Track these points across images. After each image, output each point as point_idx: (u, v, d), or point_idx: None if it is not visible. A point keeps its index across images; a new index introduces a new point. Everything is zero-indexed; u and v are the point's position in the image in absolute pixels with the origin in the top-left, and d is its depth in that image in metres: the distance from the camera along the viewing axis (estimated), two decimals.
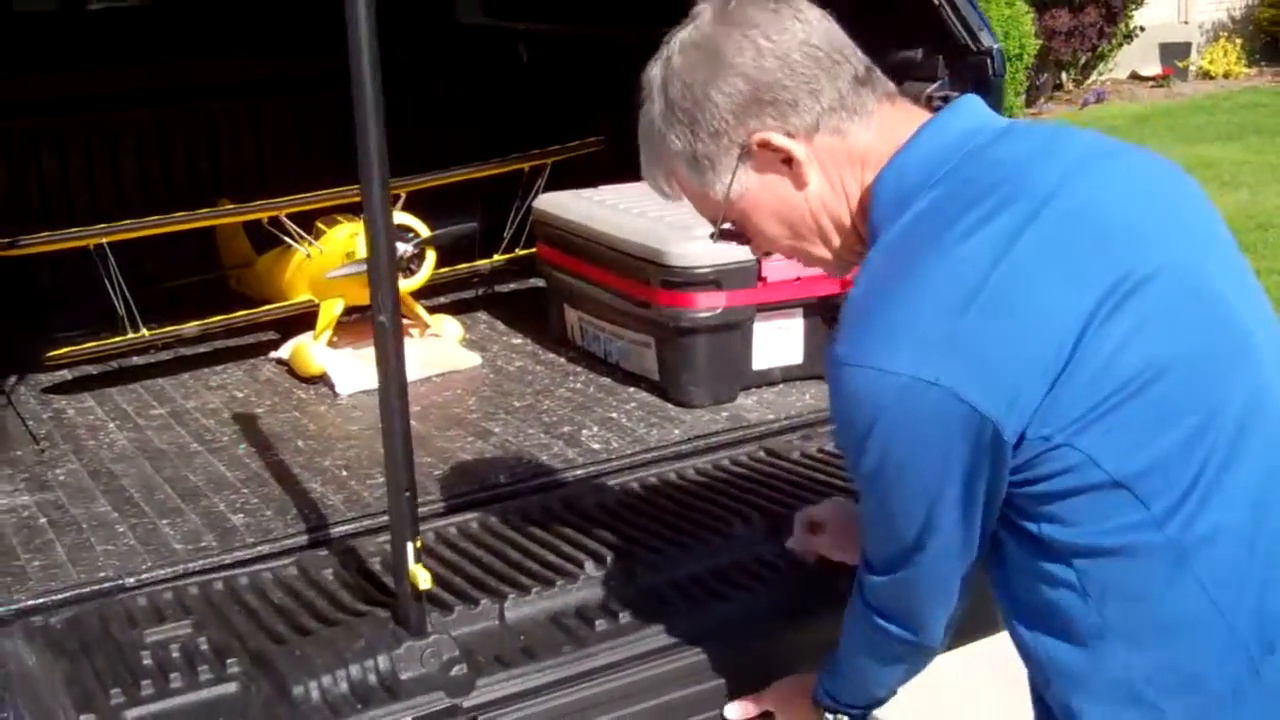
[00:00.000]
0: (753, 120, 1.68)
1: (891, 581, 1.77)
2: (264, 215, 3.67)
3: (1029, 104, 14.67)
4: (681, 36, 1.72)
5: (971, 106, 1.73)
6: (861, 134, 1.70)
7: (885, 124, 1.71)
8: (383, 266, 2.07)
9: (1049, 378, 1.51)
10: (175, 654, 2.19)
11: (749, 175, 1.71)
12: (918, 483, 1.61)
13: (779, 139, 1.68)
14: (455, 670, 2.13)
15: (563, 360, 3.69)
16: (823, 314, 3.32)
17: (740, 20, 1.68)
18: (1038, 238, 1.55)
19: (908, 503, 1.64)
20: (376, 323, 2.09)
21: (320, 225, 3.75)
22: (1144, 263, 1.56)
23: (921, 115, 1.73)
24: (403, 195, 3.65)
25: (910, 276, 1.57)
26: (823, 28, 1.70)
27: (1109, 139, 1.75)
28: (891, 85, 1.76)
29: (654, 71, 1.75)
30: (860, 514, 1.79)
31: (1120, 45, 15.74)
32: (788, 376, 3.38)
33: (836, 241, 1.76)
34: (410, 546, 2.15)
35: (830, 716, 2.02)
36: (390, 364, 2.09)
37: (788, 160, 1.70)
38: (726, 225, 1.81)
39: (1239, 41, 16.65)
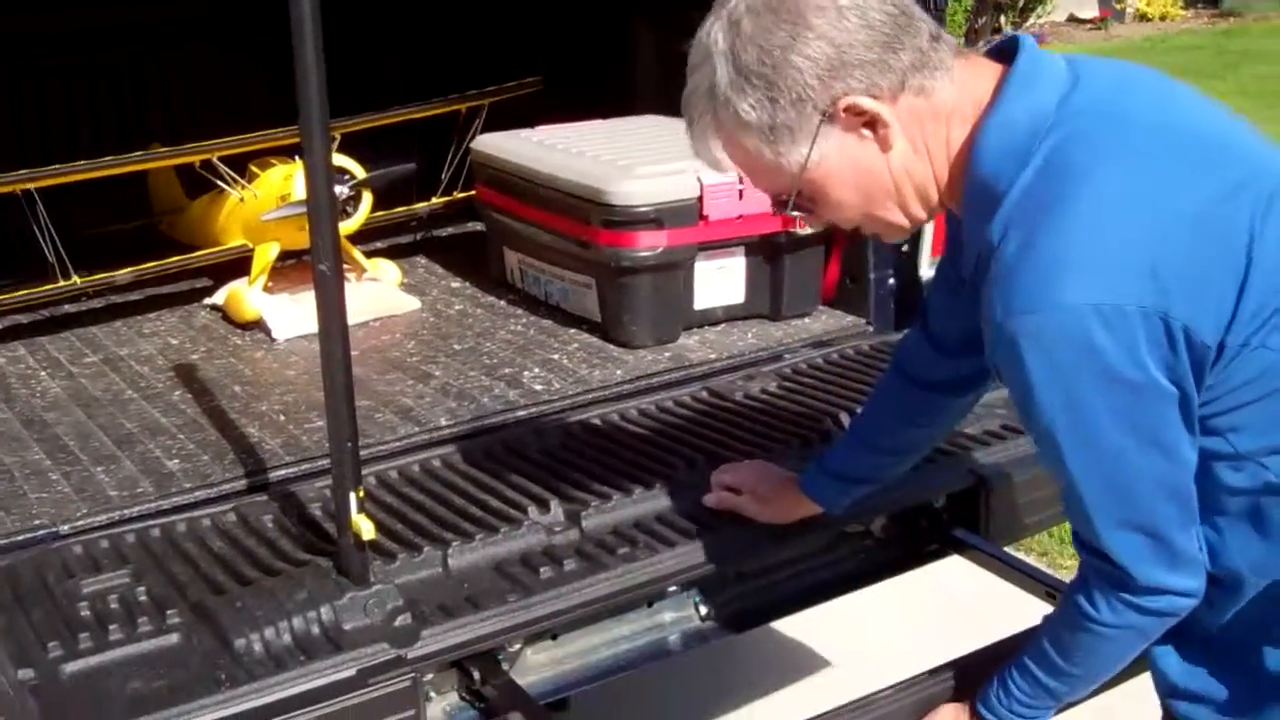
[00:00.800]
0: (838, 84, 1.60)
1: (1136, 535, 1.67)
2: (196, 158, 3.59)
3: (967, 45, 14.66)
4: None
5: (1035, 52, 1.69)
6: (945, 90, 1.64)
7: (963, 78, 1.66)
8: (323, 212, 2.03)
9: (1236, 284, 1.54)
10: (114, 605, 2.16)
11: (829, 142, 1.63)
12: (1140, 412, 1.57)
13: (865, 102, 1.61)
14: (399, 620, 2.10)
15: (503, 303, 3.66)
16: (765, 252, 3.31)
17: None
18: (1173, 159, 1.57)
19: (1131, 437, 1.59)
20: (317, 271, 2.05)
21: (254, 168, 3.68)
22: (1262, 171, 1.62)
23: (990, 66, 1.70)
24: (338, 136, 3.59)
25: (1077, 213, 1.54)
26: None
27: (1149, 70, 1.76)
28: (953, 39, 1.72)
29: (715, 37, 1.64)
30: (1068, 493, 1.70)
31: None
32: (730, 316, 3.37)
33: (914, 205, 1.71)
34: (353, 497, 2.13)
35: None
36: (332, 314, 2.06)
37: (871, 124, 1.63)
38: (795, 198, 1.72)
39: None
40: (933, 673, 2.12)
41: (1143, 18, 16.37)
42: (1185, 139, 1.62)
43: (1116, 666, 1.85)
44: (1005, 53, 1.70)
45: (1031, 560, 4.39)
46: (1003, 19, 15.66)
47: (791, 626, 3.98)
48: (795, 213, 1.72)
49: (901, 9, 1.62)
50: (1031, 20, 15.89)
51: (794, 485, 2.29)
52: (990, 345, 1.62)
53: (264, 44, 3.12)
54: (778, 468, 2.40)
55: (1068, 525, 4.79)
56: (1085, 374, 1.55)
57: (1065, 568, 4.35)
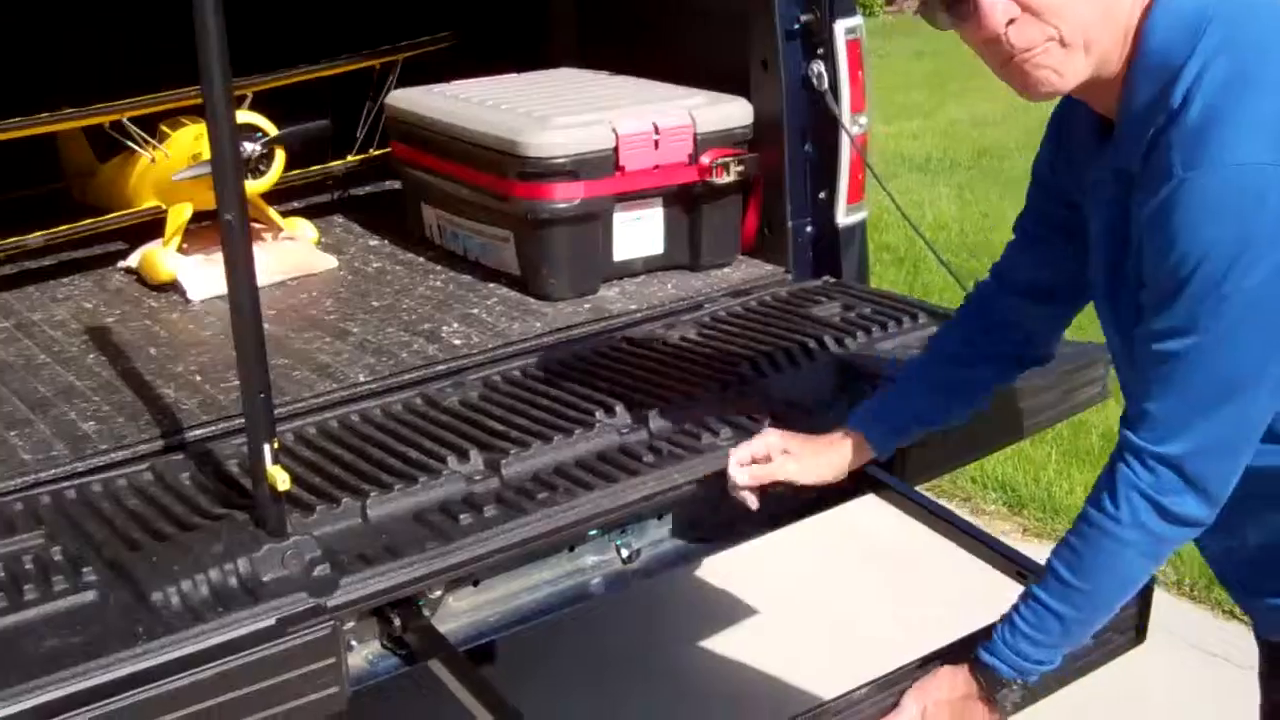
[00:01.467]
0: None
1: (1204, 434, 1.71)
2: (105, 119, 3.54)
3: (889, 0, 14.76)
4: None
5: None
6: None
7: None
8: (226, 162, 2.01)
9: None
10: (28, 565, 2.13)
11: None
12: None
13: None
14: (318, 570, 2.09)
15: (421, 259, 3.64)
16: (682, 203, 3.31)
17: None
18: None
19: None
20: (223, 221, 2.03)
21: (164, 128, 3.63)
22: None
23: None
24: (249, 95, 3.56)
25: (1262, 80, 1.61)
26: None
27: None
28: None
29: None
30: (1161, 377, 1.72)
31: None
32: (649, 267, 3.37)
33: (1099, 53, 1.73)
34: (267, 448, 2.11)
35: (1018, 684, 1.93)
36: (239, 262, 2.04)
37: None
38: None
39: None
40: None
41: None
42: None
43: (1122, 593, 1.86)
44: None
45: (954, 506, 4.47)
46: None
47: (713, 574, 4.03)
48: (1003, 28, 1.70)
49: None
50: None
51: (823, 439, 2.27)
52: (1156, 206, 1.64)
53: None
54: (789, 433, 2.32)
55: (990, 469, 4.85)
56: (1264, 235, 1.59)
57: (986, 512, 4.42)
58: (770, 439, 2.28)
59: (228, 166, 2.00)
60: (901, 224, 6.62)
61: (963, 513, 4.42)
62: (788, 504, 2.57)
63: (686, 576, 4.01)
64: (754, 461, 2.27)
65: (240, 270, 2.04)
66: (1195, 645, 3.60)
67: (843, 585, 3.81)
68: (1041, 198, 2.07)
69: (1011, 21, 1.69)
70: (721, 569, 3.98)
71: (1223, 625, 3.71)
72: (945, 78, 10.76)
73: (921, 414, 2.26)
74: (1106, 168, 1.80)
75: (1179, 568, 3.92)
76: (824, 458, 2.25)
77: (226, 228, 2.02)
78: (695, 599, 3.94)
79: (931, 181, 7.83)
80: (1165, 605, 3.76)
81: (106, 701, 1.85)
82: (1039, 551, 2.22)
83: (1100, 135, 1.83)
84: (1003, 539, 4.09)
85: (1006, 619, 1.91)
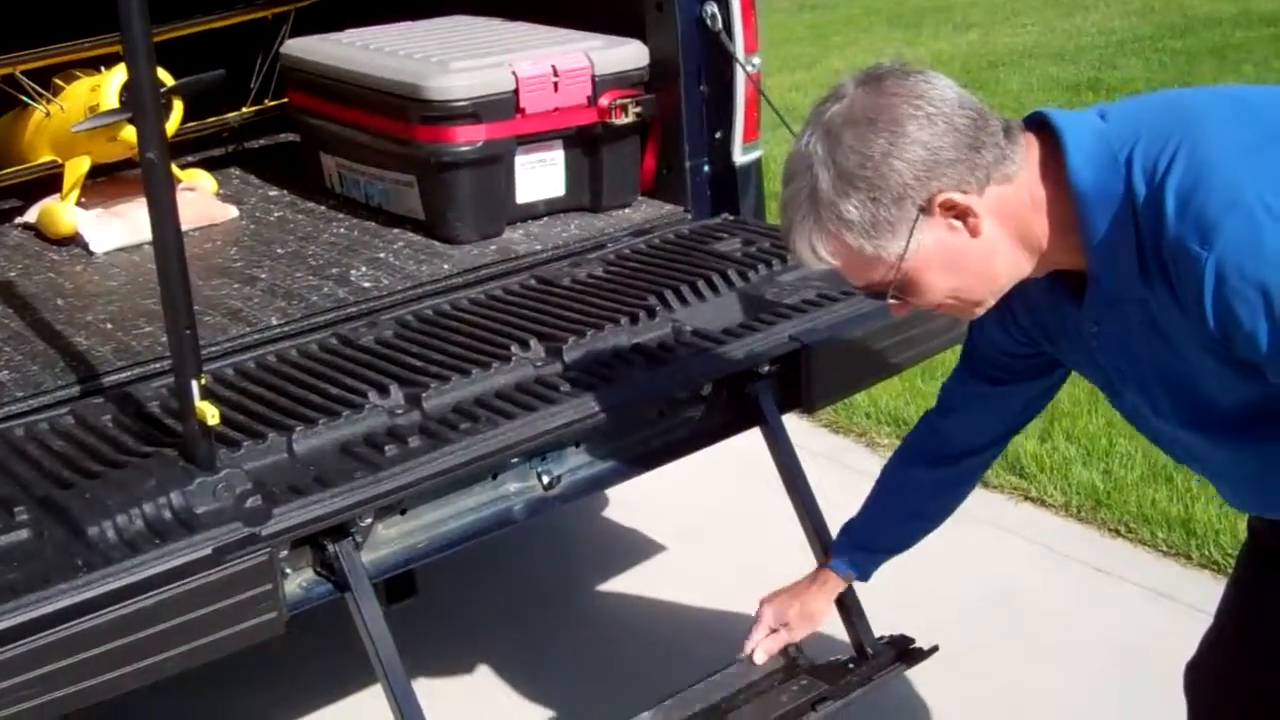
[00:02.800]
0: (934, 182, 1.74)
1: None
2: None
3: None
4: (837, 112, 1.77)
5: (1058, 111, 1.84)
6: (1019, 168, 1.79)
7: (1028, 154, 1.80)
8: (147, 102, 2.04)
9: None
10: None
11: (925, 234, 1.77)
12: None
13: (957, 196, 1.75)
14: (250, 502, 2.15)
15: (323, 208, 3.67)
16: (582, 145, 3.38)
17: (901, 91, 1.75)
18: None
19: None
20: (144, 159, 2.06)
21: (58, 82, 3.61)
22: None
23: (1027, 134, 1.83)
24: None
25: (1207, 139, 1.68)
26: (960, 91, 1.78)
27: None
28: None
29: (814, 147, 1.78)
30: None
31: None
32: (551, 209, 3.44)
33: (1002, 279, 1.84)
34: (195, 383, 2.16)
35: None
36: (161, 199, 2.07)
37: (961, 215, 1.77)
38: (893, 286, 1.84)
39: None
40: None
41: None
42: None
43: None
44: (1031, 123, 1.84)
45: (849, 440, 4.61)
46: None
47: (622, 512, 4.12)
48: (893, 300, 1.85)
49: (977, 112, 1.77)
50: None
51: (813, 587, 2.53)
52: (1210, 294, 1.65)
53: None
54: (788, 588, 2.56)
55: (883, 404, 4.98)
56: None
57: (881, 445, 4.55)
58: (766, 622, 2.53)
59: (149, 107, 2.03)
60: None
61: (858, 447, 4.58)
62: (699, 431, 2.68)
63: (597, 515, 4.11)
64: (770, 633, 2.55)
65: (163, 208, 2.08)
66: (1084, 562, 3.77)
67: (751, 520, 3.91)
68: (999, 354, 2.16)
69: (902, 301, 1.85)
70: (631, 505, 4.08)
71: (1110, 543, 3.88)
72: (828, 30, 10.92)
73: (900, 540, 2.49)
74: (1099, 307, 1.85)
75: (1066, 491, 4.09)
76: (811, 611, 2.53)
77: (148, 165, 2.06)
78: (607, 536, 4.03)
79: None
80: (1055, 527, 3.96)
81: (50, 631, 1.89)
82: None
83: (1058, 287, 1.90)
84: None
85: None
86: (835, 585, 2.53)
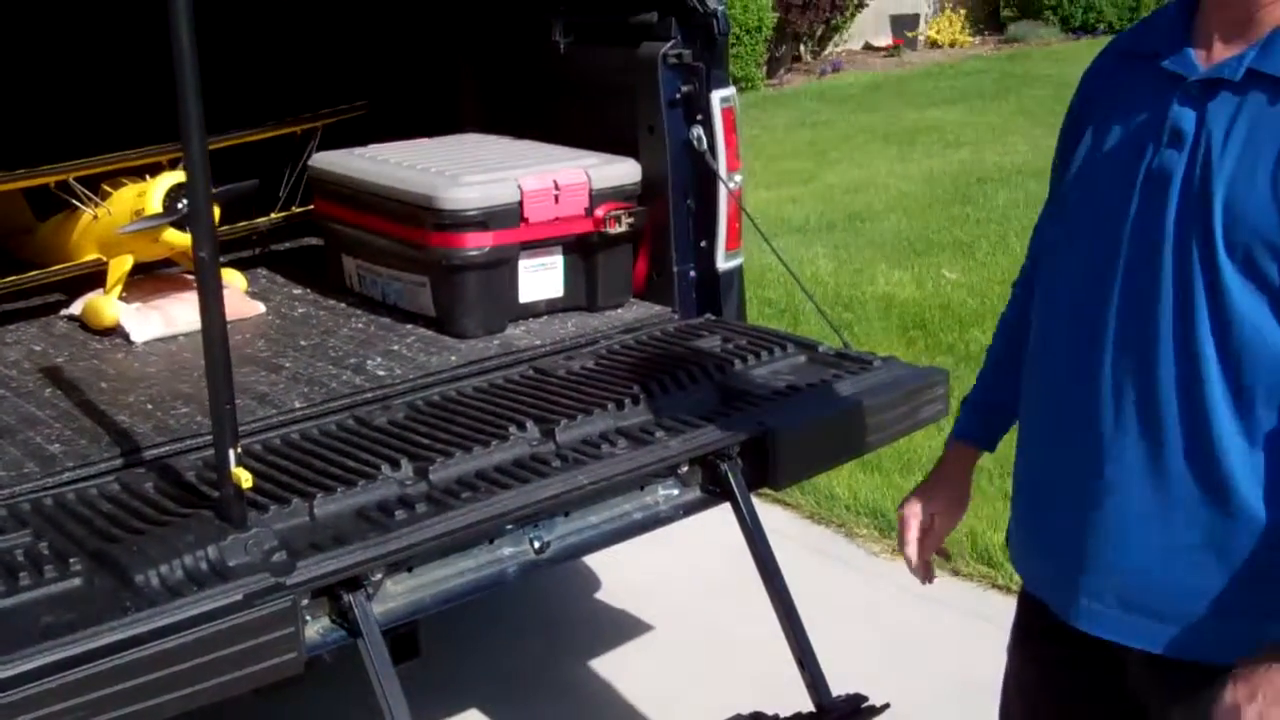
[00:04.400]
0: None
1: None
2: (53, 180, 3.87)
3: (770, 75, 15.39)
4: None
5: None
6: None
7: None
8: (201, 207, 2.38)
9: None
10: (19, 558, 2.46)
11: None
12: None
13: None
14: (276, 556, 2.45)
15: (343, 305, 4.01)
16: (580, 251, 3.73)
17: None
18: None
19: None
20: (197, 257, 2.40)
21: (105, 188, 3.97)
22: None
23: None
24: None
25: None
26: None
27: None
28: None
29: None
30: None
31: (853, 17, 16.63)
32: (551, 308, 3.78)
33: None
34: (231, 451, 2.47)
35: None
36: (211, 288, 2.41)
37: None
38: None
39: (964, 12, 17.77)
40: None
41: (933, 45, 17.32)
42: None
43: None
44: None
45: (829, 531, 4.89)
46: (802, 47, 16.44)
47: (610, 591, 4.40)
48: None
49: None
50: (829, 49, 16.72)
51: (943, 470, 2.31)
52: None
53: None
54: (921, 485, 2.35)
55: (862, 497, 5.23)
56: None
57: (860, 535, 4.82)
58: (911, 521, 2.29)
59: (203, 211, 2.37)
60: (782, 280, 7.11)
61: (838, 538, 4.86)
62: (676, 506, 2.98)
63: (586, 596, 4.39)
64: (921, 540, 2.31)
65: (211, 296, 2.41)
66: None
67: (735, 603, 4.17)
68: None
69: None
70: (620, 584, 4.36)
71: None
72: (824, 146, 11.34)
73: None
74: (1236, 68, 1.77)
75: None
76: (954, 494, 2.30)
77: (200, 263, 2.39)
78: (594, 617, 4.30)
79: (809, 242, 8.33)
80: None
81: (101, 660, 2.18)
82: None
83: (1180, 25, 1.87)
84: (875, 560, 4.58)
85: None
86: (962, 458, 2.30)
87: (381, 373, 3.40)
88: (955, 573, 4.34)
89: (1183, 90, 1.83)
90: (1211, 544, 1.78)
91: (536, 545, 2.77)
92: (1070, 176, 2.00)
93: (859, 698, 2.90)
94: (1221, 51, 1.81)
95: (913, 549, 2.28)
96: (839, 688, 2.89)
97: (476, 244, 3.56)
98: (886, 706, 2.88)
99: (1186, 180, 1.79)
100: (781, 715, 2.83)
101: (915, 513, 2.28)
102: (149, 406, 3.23)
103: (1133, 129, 1.88)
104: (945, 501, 2.29)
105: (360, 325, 3.82)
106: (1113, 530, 1.86)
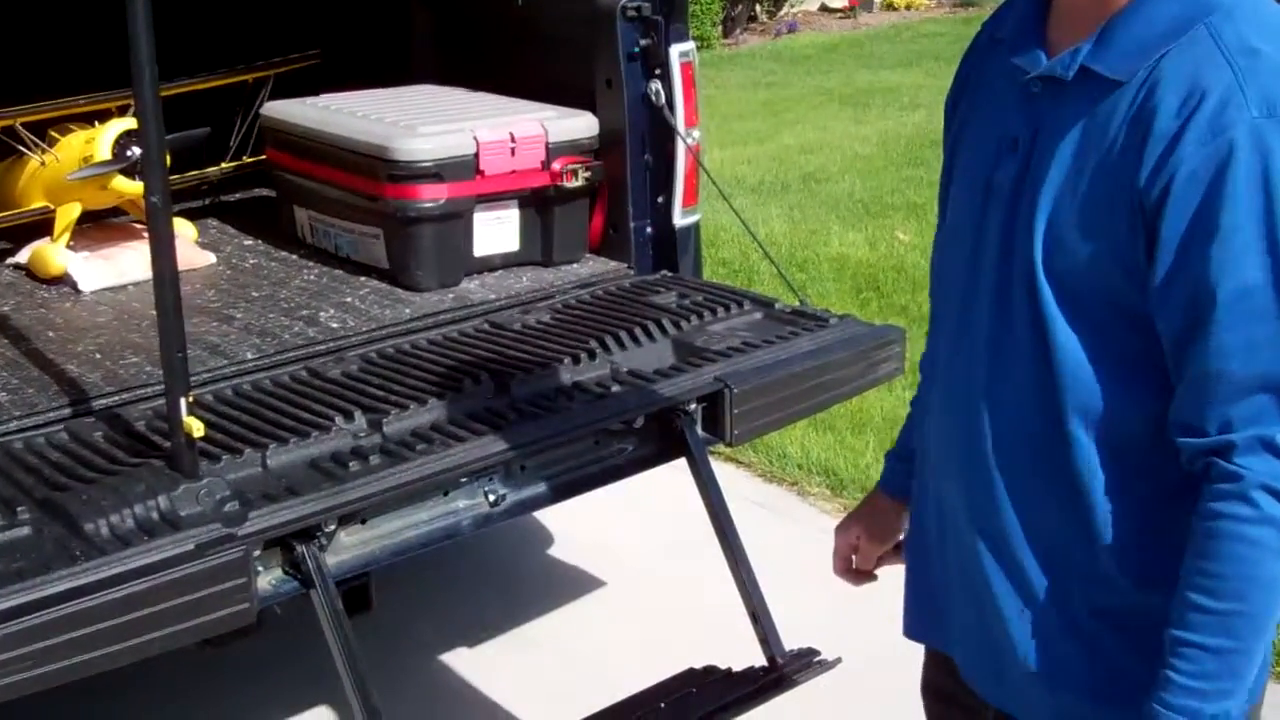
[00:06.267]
0: None
1: None
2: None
3: (726, 34, 15.33)
4: None
5: None
6: None
7: None
8: (155, 152, 2.34)
9: None
10: None
11: None
12: None
13: None
14: (228, 506, 2.43)
15: (295, 256, 3.97)
16: (536, 205, 3.70)
17: None
18: None
19: None
20: (149, 202, 2.36)
21: (53, 134, 3.90)
22: None
23: None
24: (132, 104, 3.84)
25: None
26: None
27: None
28: None
29: None
30: (1237, 364, 1.51)
31: None
32: (506, 263, 3.75)
33: None
34: (183, 400, 2.44)
35: None
36: (162, 236, 2.37)
37: None
38: None
39: None
40: None
41: (889, 6, 17.29)
42: None
43: (1273, 595, 1.55)
44: None
45: (782, 489, 4.90)
46: (758, 8, 16.39)
47: (564, 546, 4.40)
48: None
49: None
50: (785, 9, 16.66)
51: (872, 511, 2.20)
52: (1210, 155, 1.47)
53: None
54: (851, 516, 2.25)
55: (814, 456, 5.23)
56: None
57: (811, 494, 4.84)
58: (841, 547, 2.22)
59: (156, 156, 2.34)
60: (736, 240, 7.10)
61: (790, 496, 4.87)
62: (631, 459, 2.97)
63: (540, 552, 4.38)
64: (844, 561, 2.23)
65: (163, 242, 2.37)
66: None
67: (689, 559, 4.18)
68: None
69: None
70: (574, 541, 4.36)
71: None
72: (779, 107, 11.33)
73: None
74: (1069, 64, 1.60)
75: None
76: (884, 528, 2.18)
77: (152, 208, 2.36)
78: (548, 572, 4.30)
79: (763, 202, 8.32)
80: None
81: (51, 609, 2.16)
82: None
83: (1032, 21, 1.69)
84: (826, 517, 4.59)
85: (1160, 685, 1.57)
86: (890, 504, 2.16)
87: (334, 325, 3.37)
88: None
89: (1022, 88, 1.65)
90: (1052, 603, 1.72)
91: (491, 498, 2.76)
92: (947, 177, 1.86)
93: (811, 651, 2.91)
94: (1063, 44, 1.62)
95: (840, 572, 2.23)
96: (792, 642, 2.91)
97: (431, 196, 3.53)
98: (839, 661, 2.89)
99: (1014, 195, 1.63)
100: (734, 669, 2.84)
101: (847, 540, 2.20)
102: (98, 356, 3.19)
103: (986, 128, 1.73)
104: (874, 532, 2.18)
105: (313, 277, 3.78)
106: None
